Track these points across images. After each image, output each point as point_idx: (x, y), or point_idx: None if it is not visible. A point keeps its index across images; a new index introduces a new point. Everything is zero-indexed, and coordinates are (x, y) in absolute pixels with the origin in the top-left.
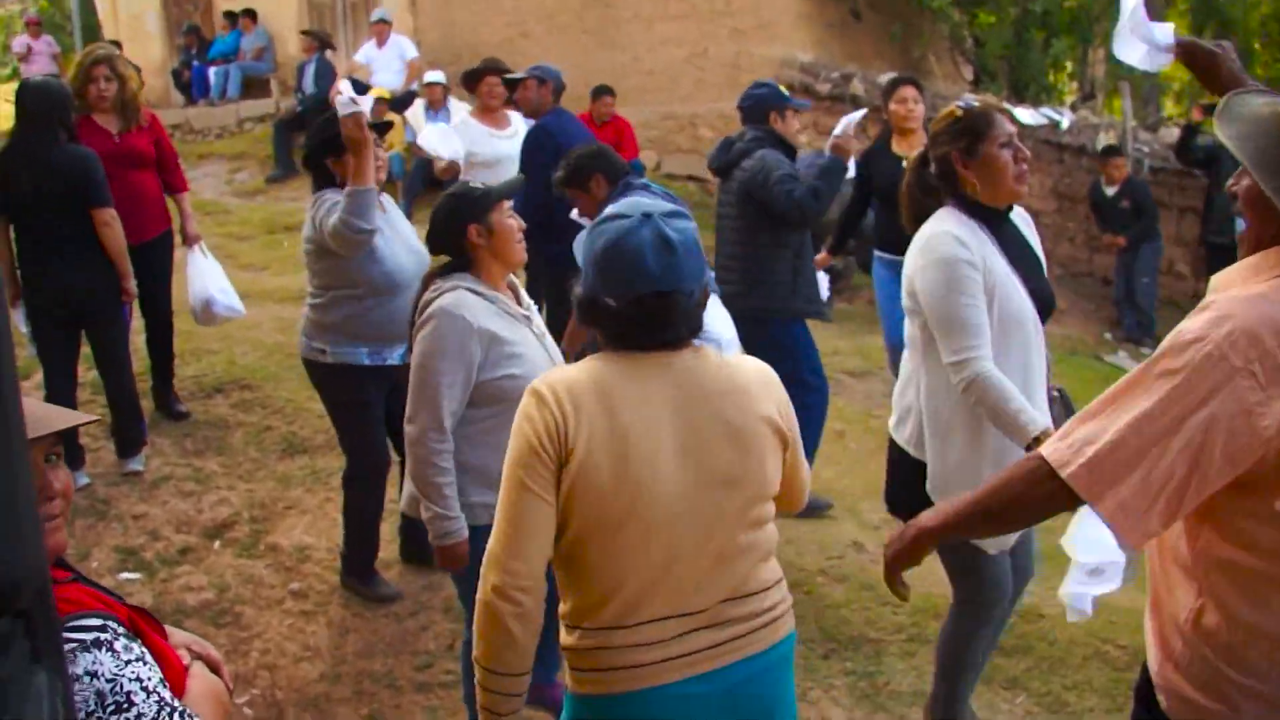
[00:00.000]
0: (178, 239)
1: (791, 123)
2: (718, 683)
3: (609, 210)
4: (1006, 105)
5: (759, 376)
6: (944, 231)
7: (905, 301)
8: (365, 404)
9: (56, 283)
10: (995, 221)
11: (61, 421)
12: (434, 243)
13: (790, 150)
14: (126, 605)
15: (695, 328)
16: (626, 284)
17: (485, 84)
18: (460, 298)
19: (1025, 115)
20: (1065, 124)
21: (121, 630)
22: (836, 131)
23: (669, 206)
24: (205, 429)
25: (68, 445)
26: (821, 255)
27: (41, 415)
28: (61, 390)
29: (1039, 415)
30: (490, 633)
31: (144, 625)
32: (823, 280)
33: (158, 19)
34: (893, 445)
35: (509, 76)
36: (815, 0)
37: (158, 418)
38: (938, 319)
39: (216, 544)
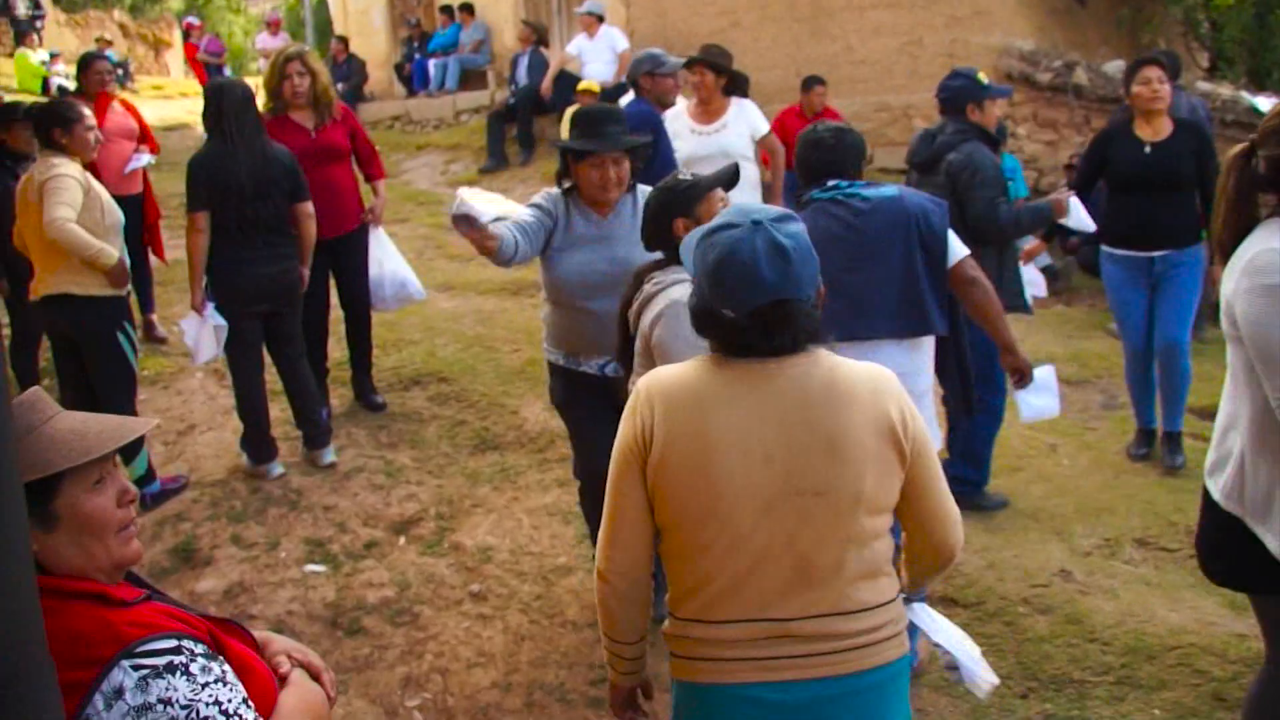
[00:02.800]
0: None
1: (991, 112)
2: (797, 695)
3: (717, 220)
4: (1244, 94)
5: (870, 385)
6: (1274, 250)
7: (1224, 326)
8: (570, 404)
9: (262, 278)
10: None
11: (124, 435)
12: (646, 239)
13: (993, 142)
14: (209, 619)
15: (813, 332)
16: (743, 295)
17: (694, 74)
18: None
19: (1266, 104)
20: None
21: (200, 650)
22: (1068, 199)
23: (778, 210)
24: (400, 421)
25: (264, 439)
26: (1034, 244)
27: (108, 429)
28: (255, 382)
29: None
30: (599, 607)
31: (229, 640)
32: (1039, 280)
33: (383, 14)
34: (1206, 496)
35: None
36: None
37: (355, 408)
38: (1262, 353)
39: (402, 540)
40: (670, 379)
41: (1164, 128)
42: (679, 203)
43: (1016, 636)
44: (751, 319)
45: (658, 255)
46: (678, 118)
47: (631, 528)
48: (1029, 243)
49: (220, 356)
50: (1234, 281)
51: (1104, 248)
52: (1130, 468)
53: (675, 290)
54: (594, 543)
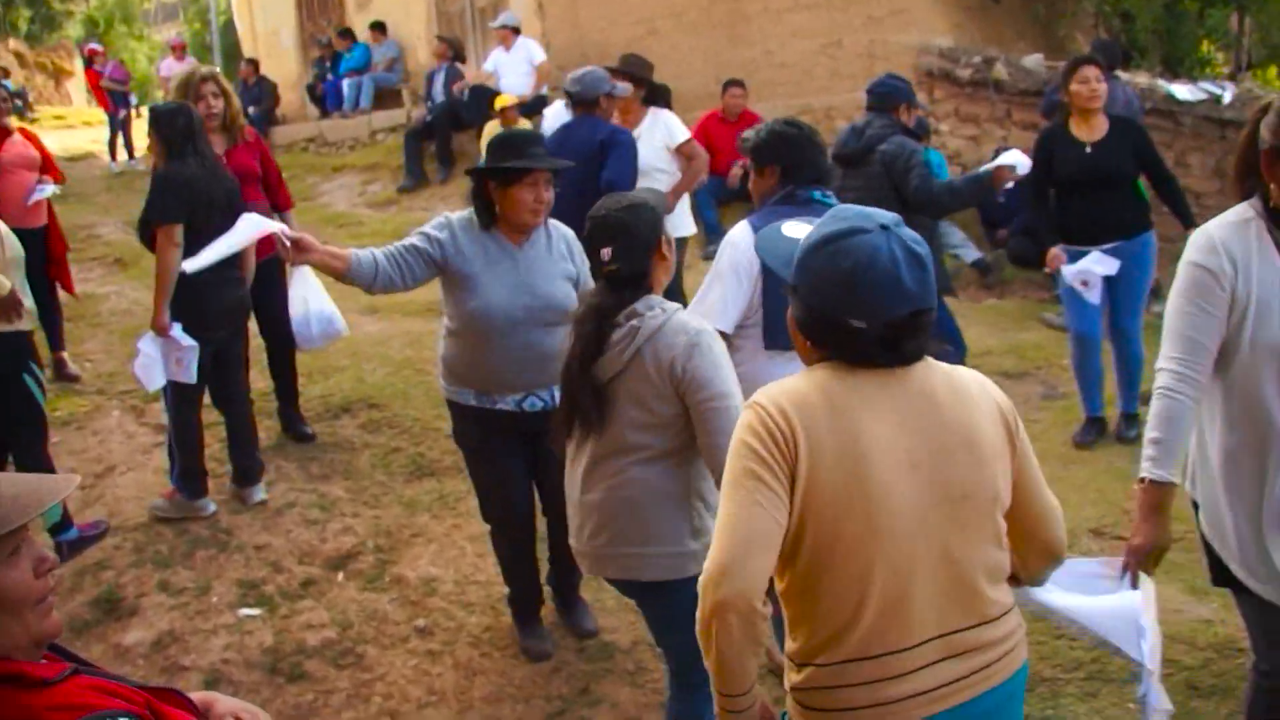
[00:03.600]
0: None
1: (912, 119)
2: (959, 716)
3: (836, 224)
4: (1161, 82)
5: (976, 381)
6: (1204, 230)
7: None
8: (480, 446)
9: (225, 299)
10: None
11: (43, 500)
12: (628, 265)
13: (917, 139)
14: (145, 689)
15: (926, 345)
16: (884, 306)
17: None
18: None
19: (1183, 91)
20: (1227, 98)
21: None
22: (1010, 162)
23: (892, 215)
24: (331, 451)
25: (198, 473)
26: (1054, 252)
27: (24, 493)
28: (193, 412)
29: (1167, 464)
30: (716, 654)
31: (168, 710)
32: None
33: (292, 35)
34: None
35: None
36: None
37: (283, 440)
38: (1167, 321)
39: (340, 576)
40: (796, 389)
41: (1100, 126)
42: (659, 226)
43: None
44: (885, 329)
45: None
46: None
47: (765, 543)
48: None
49: (163, 385)
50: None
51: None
52: (1078, 457)
53: (688, 318)
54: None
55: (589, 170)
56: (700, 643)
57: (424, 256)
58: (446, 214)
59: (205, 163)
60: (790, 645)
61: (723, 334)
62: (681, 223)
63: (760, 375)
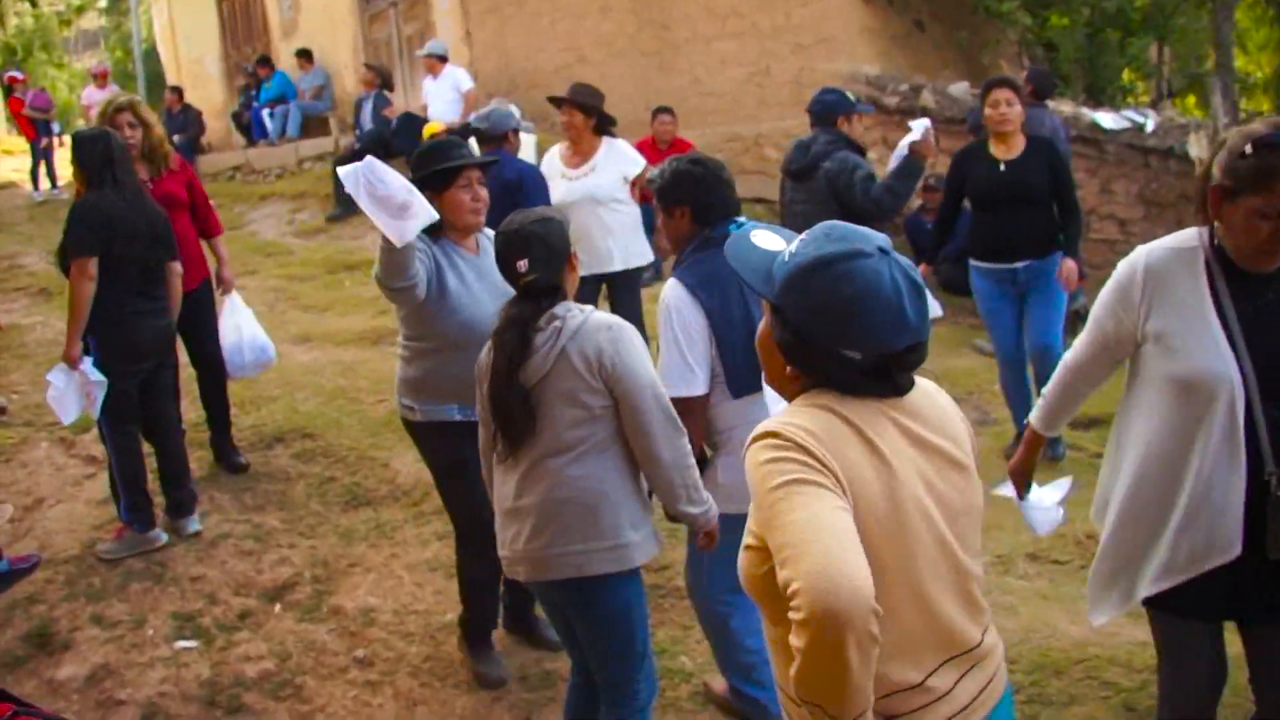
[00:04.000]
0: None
1: (857, 126)
2: None
3: (832, 245)
4: (1084, 110)
5: (942, 394)
6: (1146, 245)
7: None
8: (464, 462)
9: (150, 332)
10: (1238, 275)
11: None
12: (548, 274)
13: (861, 151)
14: None
15: (912, 377)
16: (883, 338)
17: (563, 114)
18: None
19: (1107, 120)
20: (1150, 126)
21: None
22: (915, 136)
23: (882, 236)
24: (265, 481)
25: (145, 504)
26: (921, 267)
27: None
28: (134, 444)
29: (1050, 423)
30: (833, 678)
31: None
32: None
33: (217, 63)
34: None
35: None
36: (878, 13)
37: (216, 470)
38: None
39: (277, 607)
40: (809, 416)
41: (1017, 145)
42: (568, 238)
43: None
44: (879, 360)
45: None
46: (551, 161)
47: (855, 541)
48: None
49: (77, 417)
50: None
51: (971, 261)
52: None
53: (605, 315)
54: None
55: (501, 207)
56: (809, 668)
57: (424, 266)
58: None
59: (125, 192)
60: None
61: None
62: (641, 250)
63: (736, 418)
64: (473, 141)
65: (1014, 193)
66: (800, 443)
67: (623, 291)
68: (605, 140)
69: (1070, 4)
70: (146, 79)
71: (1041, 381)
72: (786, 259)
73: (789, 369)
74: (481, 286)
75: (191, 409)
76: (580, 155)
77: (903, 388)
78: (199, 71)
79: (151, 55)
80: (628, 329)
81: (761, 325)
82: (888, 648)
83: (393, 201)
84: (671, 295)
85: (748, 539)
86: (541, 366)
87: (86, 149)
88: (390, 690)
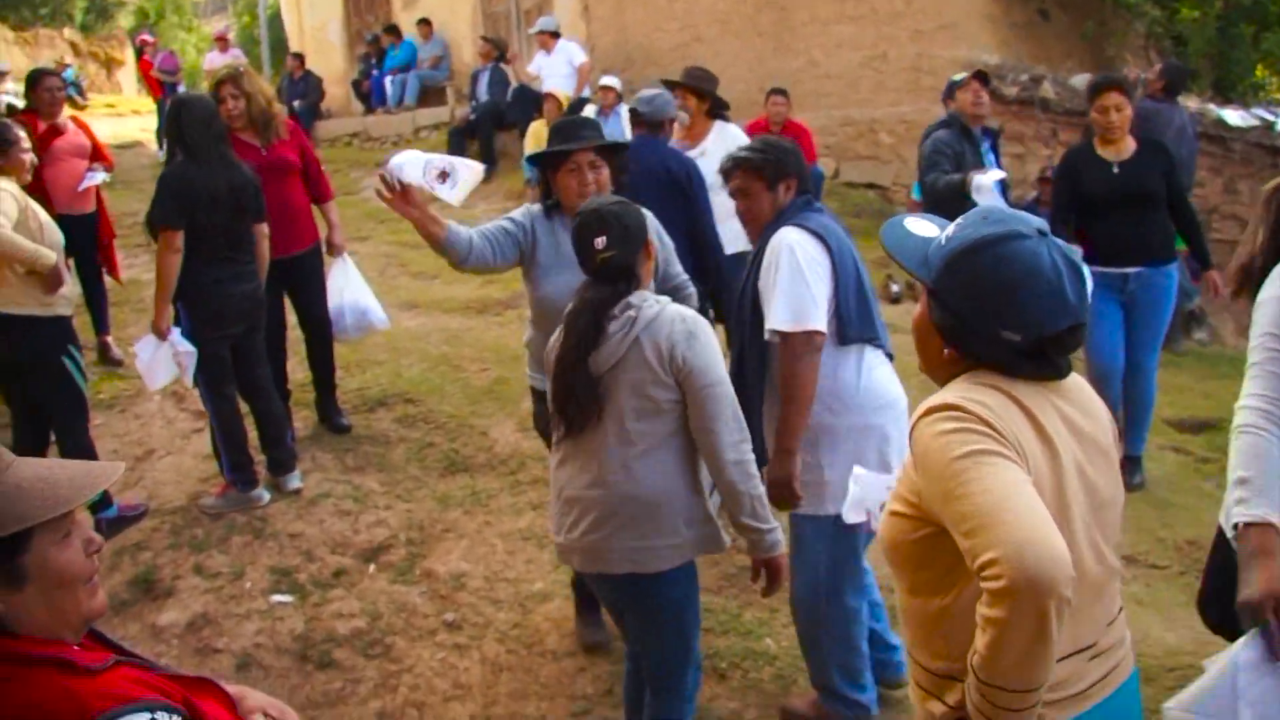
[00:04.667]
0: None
1: (962, 99)
2: (1099, 714)
3: (996, 225)
4: (1212, 106)
5: (1094, 396)
6: None
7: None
8: None
9: (235, 298)
10: None
11: (95, 484)
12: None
13: (961, 125)
14: (182, 679)
15: (1069, 359)
16: (1045, 319)
17: (677, 97)
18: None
19: (1234, 117)
20: None
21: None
22: (982, 183)
23: (1040, 219)
24: (366, 444)
25: (247, 463)
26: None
27: (77, 477)
28: (231, 405)
29: (1261, 503)
30: (1032, 637)
31: (204, 703)
32: None
33: (340, 31)
34: (1220, 534)
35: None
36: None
37: (320, 431)
38: (1251, 356)
39: (371, 567)
40: (980, 395)
41: (1127, 146)
42: (646, 224)
43: None
44: (1039, 342)
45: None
46: None
47: (1049, 516)
48: None
49: (168, 383)
50: (1267, 290)
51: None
52: None
53: (681, 308)
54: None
55: (660, 196)
56: (1007, 639)
57: (513, 239)
58: (528, 204)
59: (202, 159)
60: (943, 664)
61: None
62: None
63: (838, 368)
64: (590, 109)
65: (1129, 195)
66: (983, 416)
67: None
68: (717, 124)
69: None
70: (271, 45)
71: (1132, 401)
72: (944, 242)
73: (946, 351)
74: (571, 266)
75: (299, 369)
76: (691, 138)
77: (1062, 370)
78: (321, 38)
79: (276, 21)
80: (702, 323)
81: (918, 309)
82: None
83: (432, 173)
84: (792, 236)
85: (898, 506)
86: (612, 355)
87: (168, 120)
88: (477, 654)
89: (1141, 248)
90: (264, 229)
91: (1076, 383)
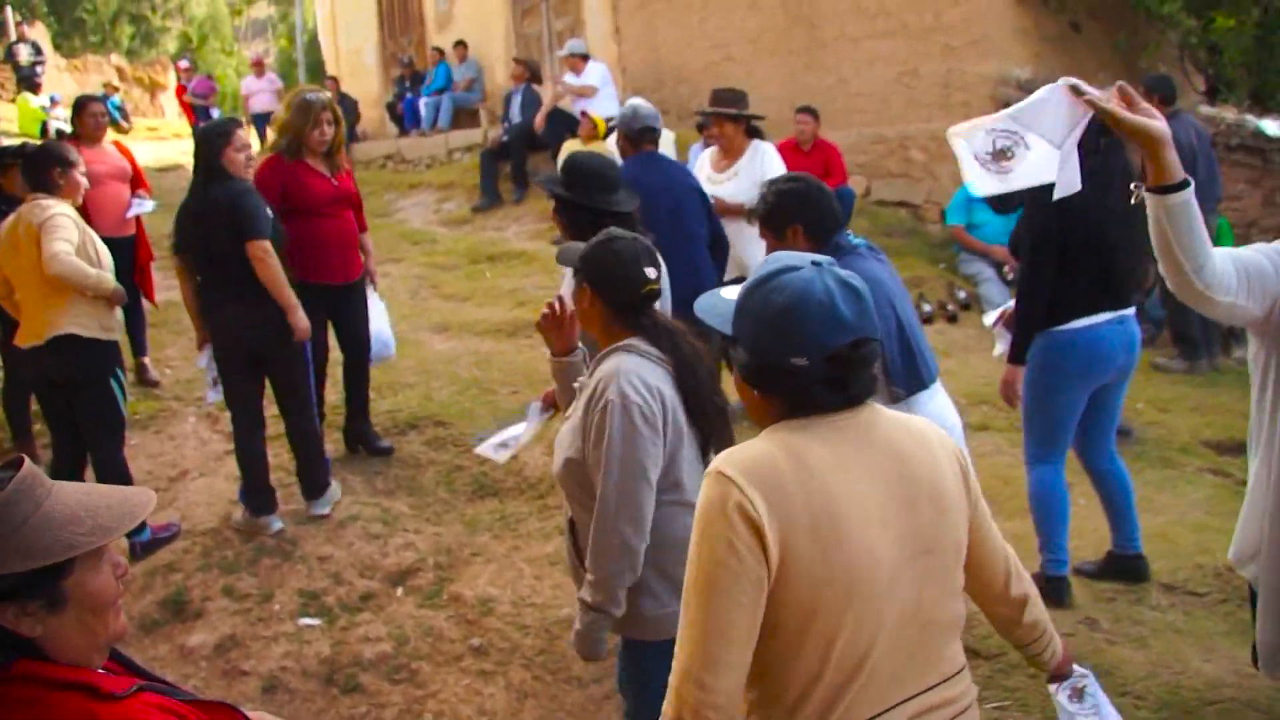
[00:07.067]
0: None
1: None
2: None
3: (767, 266)
4: (1249, 117)
5: (933, 429)
6: None
7: None
8: None
9: (230, 323)
10: None
11: (135, 515)
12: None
13: None
14: (203, 705)
15: (874, 383)
16: (822, 337)
17: (713, 125)
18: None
19: (1272, 126)
20: None
21: None
22: None
23: (827, 257)
24: (396, 467)
25: (259, 490)
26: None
27: (117, 505)
28: (246, 432)
29: None
30: None
31: None
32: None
33: (375, 54)
34: None
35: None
36: (1032, 13)
37: (350, 455)
38: None
39: (399, 591)
40: (758, 456)
41: None
42: None
43: (1042, 690)
44: (828, 364)
45: None
46: (701, 163)
47: (742, 645)
48: None
49: (220, 398)
50: None
51: None
52: (1149, 505)
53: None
54: None
55: (678, 209)
56: None
57: None
58: None
59: (197, 185)
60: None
61: None
62: None
63: None
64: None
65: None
66: (732, 501)
67: None
68: (753, 143)
69: (1239, 4)
70: (308, 68)
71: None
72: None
73: (757, 395)
74: None
75: (332, 391)
76: (729, 158)
77: (857, 396)
78: (356, 61)
79: (313, 45)
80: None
81: (735, 372)
82: (800, 684)
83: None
84: None
85: None
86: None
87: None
88: (503, 680)
89: None
90: (254, 249)
91: (905, 424)
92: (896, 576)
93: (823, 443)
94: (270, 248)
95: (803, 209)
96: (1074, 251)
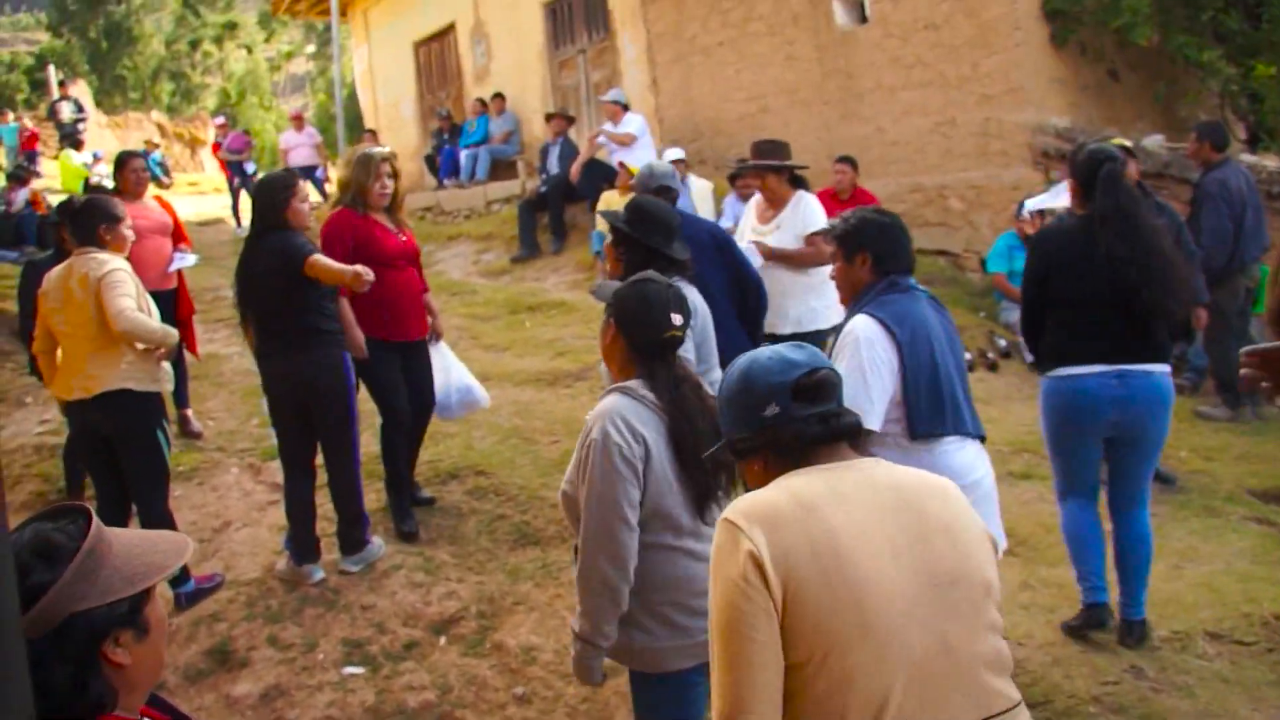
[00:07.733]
0: None
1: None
2: None
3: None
4: None
5: (942, 483)
6: None
7: None
8: None
9: (280, 374)
10: None
11: (183, 554)
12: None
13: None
14: None
15: (856, 420)
16: (777, 378)
17: (755, 179)
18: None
19: None
20: None
21: None
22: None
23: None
24: (439, 516)
25: (303, 539)
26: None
27: (164, 544)
28: (294, 481)
29: None
30: None
31: None
32: None
33: (413, 107)
34: None
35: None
36: (1069, 62)
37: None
38: None
39: (442, 640)
40: (759, 498)
41: None
42: None
43: None
44: (796, 399)
45: None
46: (747, 216)
47: (769, 690)
48: None
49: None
50: None
51: None
52: (1194, 554)
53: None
54: None
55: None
56: None
57: None
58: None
59: (251, 239)
60: None
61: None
62: (817, 313)
63: (905, 463)
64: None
65: None
66: (742, 547)
67: None
68: (797, 194)
69: (1278, 52)
70: (346, 122)
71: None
72: None
73: (758, 468)
74: None
75: (372, 442)
76: (774, 209)
77: (839, 425)
78: (394, 115)
79: (352, 99)
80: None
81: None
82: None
83: None
84: (863, 327)
85: None
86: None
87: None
88: None
89: None
90: (310, 262)
91: (916, 473)
92: (914, 608)
93: (823, 482)
94: (321, 256)
95: (877, 241)
96: (1056, 302)
